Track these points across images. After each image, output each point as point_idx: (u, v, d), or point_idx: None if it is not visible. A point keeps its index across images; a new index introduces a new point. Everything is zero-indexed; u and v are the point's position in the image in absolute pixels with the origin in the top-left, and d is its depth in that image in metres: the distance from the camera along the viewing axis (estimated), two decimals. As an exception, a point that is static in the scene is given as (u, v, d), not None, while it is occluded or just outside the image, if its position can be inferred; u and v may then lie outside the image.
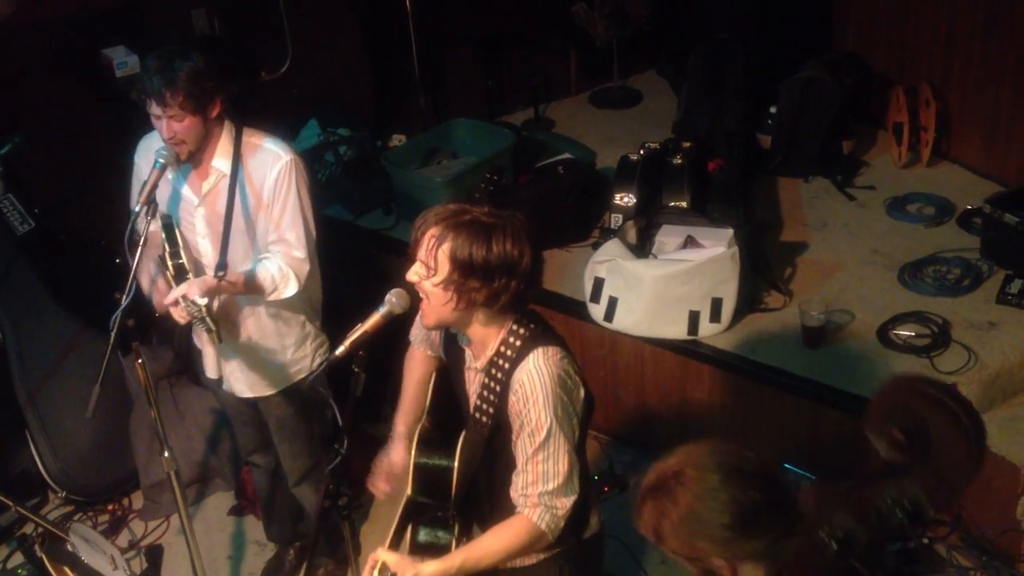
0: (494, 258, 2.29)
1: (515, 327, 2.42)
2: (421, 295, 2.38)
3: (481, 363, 2.46)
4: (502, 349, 2.42)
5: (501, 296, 2.33)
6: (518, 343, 2.40)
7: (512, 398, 2.39)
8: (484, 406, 2.46)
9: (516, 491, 2.44)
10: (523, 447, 2.40)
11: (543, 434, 2.37)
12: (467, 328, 2.44)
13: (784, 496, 1.75)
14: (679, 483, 1.80)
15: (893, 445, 1.62)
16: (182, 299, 2.90)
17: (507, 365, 2.40)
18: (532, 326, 2.43)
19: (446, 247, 2.29)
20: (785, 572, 1.67)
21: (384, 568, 2.27)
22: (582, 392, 2.46)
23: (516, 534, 2.44)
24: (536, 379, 2.36)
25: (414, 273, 2.36)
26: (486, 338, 2.44)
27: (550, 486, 2.41)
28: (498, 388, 2.42)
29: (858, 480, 1.63)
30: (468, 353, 2.52)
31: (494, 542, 2.45)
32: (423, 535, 2.64)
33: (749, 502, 1.75)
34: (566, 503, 2.44)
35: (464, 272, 2.29)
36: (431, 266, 2.31)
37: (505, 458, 2.47)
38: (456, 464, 2.55)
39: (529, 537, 2.44)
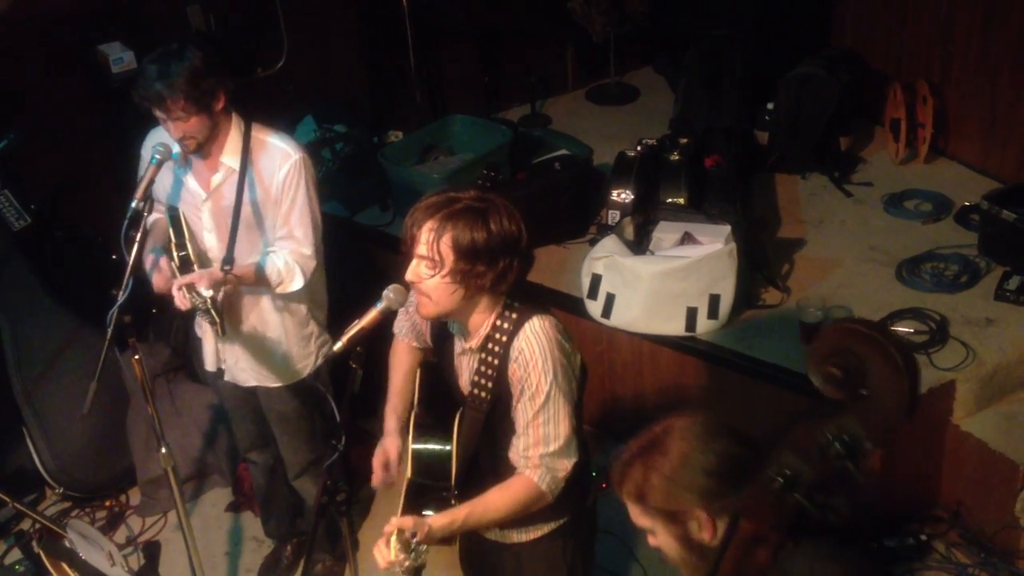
0: (496, 239, 2.31)
1: (509, 301, 2.45)
2: (422, 290, 2.37)
3: (475, 343, 2.47)
4: (498, 323, 2.44)
5: (507, 276, 2.35)
6: (513, 315, 2.43)
7: (512, 365, 2.41)
8: (482, 381, 2.47)
9: (517, 453, 2.46)
10: (524, 410, 2.42)
11: (543, 396, 2.39)
12: (465, 316, 2.45)
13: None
14: (668, 435, 1.90)
15: (831, 382, 1.68)
16: (187, 288, 2.90)
17: (504, 338, 2.42)
18: (524, 303, 2.46)
19: (447, 238, 2.30)
20: (742, 514, 1.75)
21: (401, 532, 2.28)
22: (578, 358, 2.50)
23: (517, 493, 2.45)
24: (535, 343, 2.39)
25: (414, 273, 2.36)
26: (480, 321, 2.45)
27: (551, 448, 2.43)
28: (496, 361, 2.44)
29: (801, 419, 1.70)
30: (459, 339, 2.53)
31: (496, 499, 2.46)
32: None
33: (738, 453, 1.86)
34: (567, 465, 2.46)
35: (469, 259, 2.30)
36: (436, 260, 2.31)
37: (506, 431, 2.48)
38: (454, 445, 2.56)
39: (529, 497, 2.45)
